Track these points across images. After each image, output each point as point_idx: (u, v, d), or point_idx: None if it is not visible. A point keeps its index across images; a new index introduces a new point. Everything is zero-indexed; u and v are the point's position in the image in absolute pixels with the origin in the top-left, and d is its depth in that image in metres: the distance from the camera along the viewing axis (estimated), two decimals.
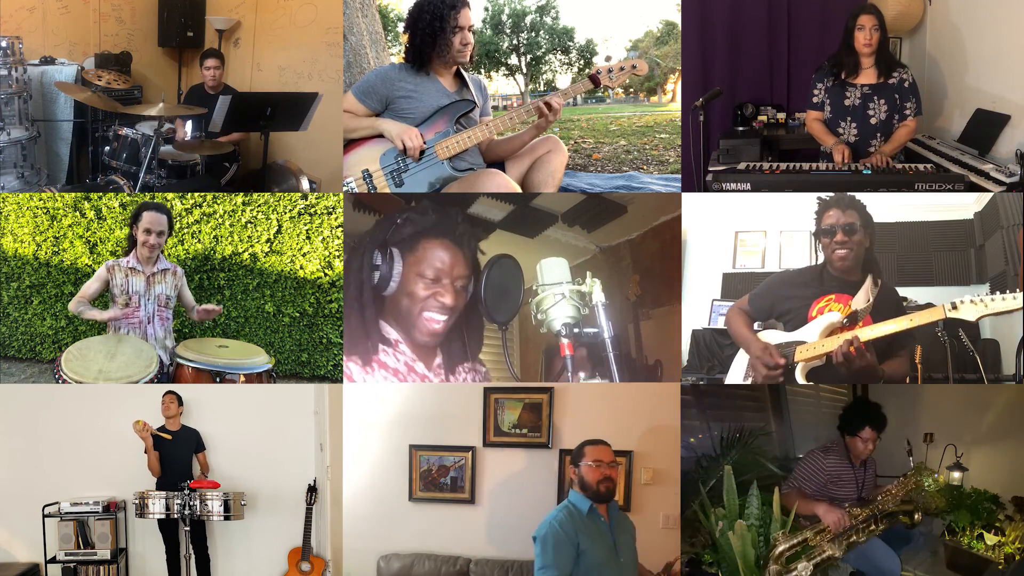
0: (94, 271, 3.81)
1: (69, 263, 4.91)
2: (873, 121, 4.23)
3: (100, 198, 4.82)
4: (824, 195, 3.42)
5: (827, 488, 3.55)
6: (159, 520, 3.88)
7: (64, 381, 3.39)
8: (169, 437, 3.93)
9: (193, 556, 3.89)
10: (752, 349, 3.35)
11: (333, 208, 4.73)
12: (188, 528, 3.81)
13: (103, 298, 3.78)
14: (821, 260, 3.45)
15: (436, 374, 2.87)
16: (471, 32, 3.79)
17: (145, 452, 3.90)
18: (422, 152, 3.74)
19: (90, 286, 3.72)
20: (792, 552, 3.24)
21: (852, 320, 3.18)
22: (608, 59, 3.88)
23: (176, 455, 3.96)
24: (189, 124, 4.93)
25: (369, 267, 2.77)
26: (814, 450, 3.70)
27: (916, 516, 3.56)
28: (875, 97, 4.22)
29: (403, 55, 3.86)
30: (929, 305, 4.04)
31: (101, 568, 3.99)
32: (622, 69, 3.80)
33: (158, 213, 3.73)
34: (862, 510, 3.42)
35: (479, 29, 3.53)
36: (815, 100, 4.35)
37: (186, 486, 3.78)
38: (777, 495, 3.36)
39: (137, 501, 3.77)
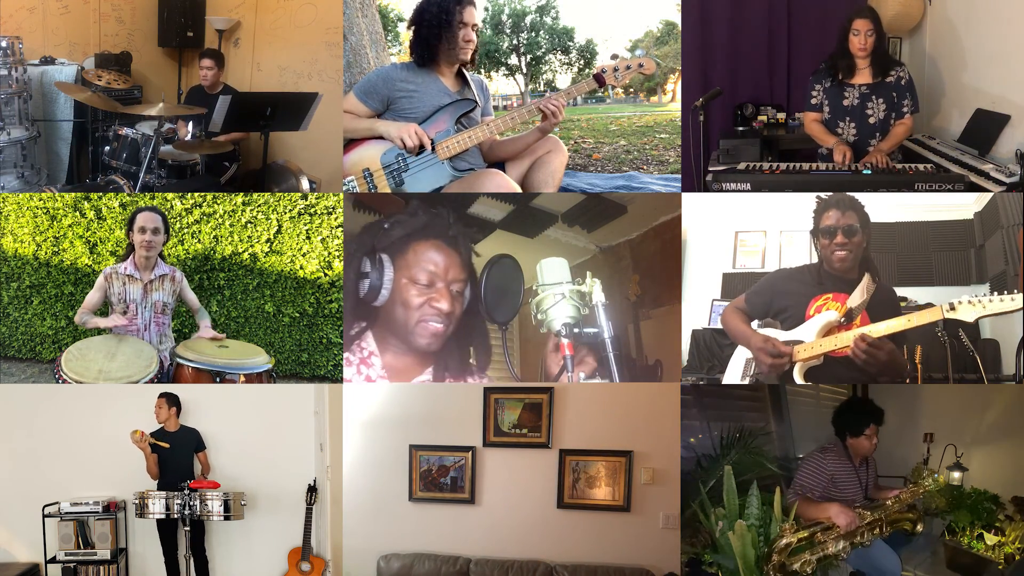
0: (94, 271, 3.81)
1: (69, 263, 4.91)
2: (872, 121, 4.24)
3: (100, 198, 4.82)
4: (823, 195, 3.41)
5: (829, 491, 3.50)
6: (158, 522, 3.89)
7: (64, 381, 3.38)
8: (166, 445, 3.91)
9: (192, 559, 3.89)
10: (753, 342, 3.32)
11: (333, 208, 4.73)
12: (188, 529, 3.81)
13: (107, 306, 3.75)
14: (816, 258, 3.43)
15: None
16: (475, 31, 3.78)
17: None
18: (422, 148, 3.72)
19: (91, 297, 3.71)
20: (796, 547, 3.23)
21: (848, 318, 3.17)
22: (614, 57, 3.82)
23: (175, 456, 3.96)
24: (191, 124, 4.93)
25: (357, 276, 2.61)
26: (812, 452, 3.66)
27: (919, 526, 3.52)
28: (873, 96, 4.23)
29: (408, 52, 3.84)
30: (929, 305, 4.05)
31: (101, 568, 3.99)
32: (628, 68, 3.73)
33: (151, 212, 3.73)
34: (870, 512, 3.38)
35: (479, 29, 3.53)
36: (813, 102, 4.36)
37: (186, 486, 3.79)
38: (778, 495, 3.35)
39: (137, 501, 3.77)
